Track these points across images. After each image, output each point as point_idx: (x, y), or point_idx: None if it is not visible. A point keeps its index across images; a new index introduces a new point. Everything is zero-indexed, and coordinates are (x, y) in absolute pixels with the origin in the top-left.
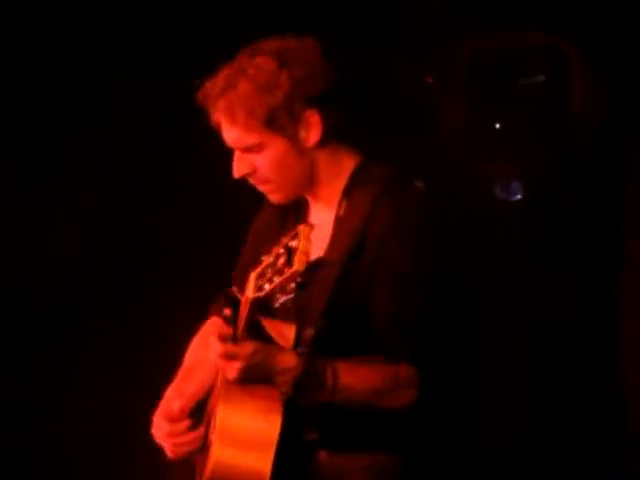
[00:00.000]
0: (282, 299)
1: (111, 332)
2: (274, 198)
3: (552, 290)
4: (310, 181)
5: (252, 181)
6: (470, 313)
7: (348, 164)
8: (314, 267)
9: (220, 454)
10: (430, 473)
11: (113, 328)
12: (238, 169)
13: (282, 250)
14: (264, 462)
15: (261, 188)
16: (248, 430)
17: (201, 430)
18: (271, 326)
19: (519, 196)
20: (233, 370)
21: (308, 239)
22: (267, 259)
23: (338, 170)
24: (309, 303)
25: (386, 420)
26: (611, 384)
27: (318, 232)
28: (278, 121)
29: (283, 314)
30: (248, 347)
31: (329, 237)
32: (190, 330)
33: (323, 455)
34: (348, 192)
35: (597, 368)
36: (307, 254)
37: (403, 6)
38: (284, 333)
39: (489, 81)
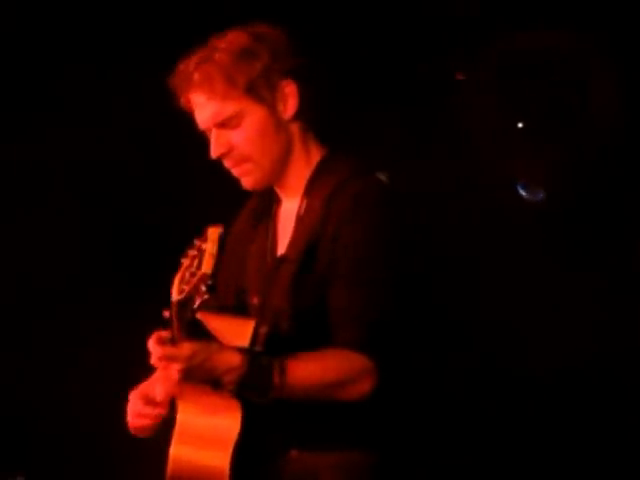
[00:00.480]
0: (198, 301)
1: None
2: (250, 180)
3: (572, 290)
4: (284, 164)
5: (228, 163)
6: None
7: (315, 155)
8: (276, 264)
9: (178, 452)
10: (405, 471)
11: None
12: (216, 148)
13: (196, 253)
14: (223, 459)
15: (237, 170)
16: (207, 428)
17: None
18: (226, 323)
19: (541, 196)
20: (175, 372)
21: (215, 241)
22: (185, 262)
23: (307, 159)
24: (267, 300)
25: (352, 415)
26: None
27: (283, 227)
28: (257, 89)
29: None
30: (186, 348)
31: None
32: None
33: (294, 453)
34: (310, 187)
35: (620, 366)
36: (214, 256)
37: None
38: (241, 330)
39: (517, 81)
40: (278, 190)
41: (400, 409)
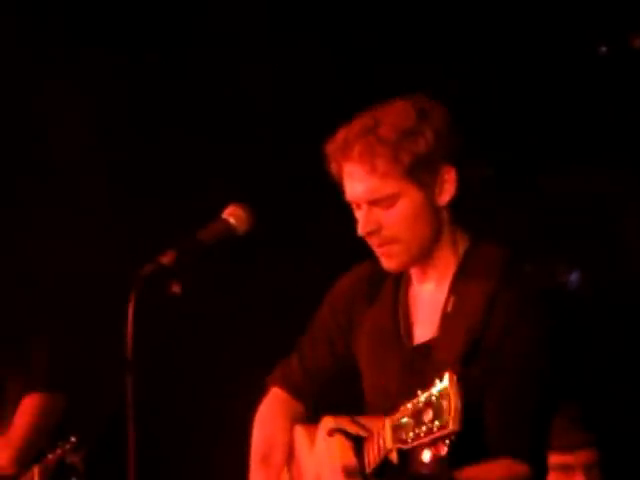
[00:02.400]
0: (428, 454)
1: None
2: (394, 262)
3: None
4: (431, 248)
5: (374, 242)
6: None
7: (461, 241)
8: (421, 359)
9: None
10: None
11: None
12: (365, 225)
13: (423, 402)
14: None
15: (382, 250)
16: None
17: None
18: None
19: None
20: None
21: (458, 394)
22: (405, 410)
23: (454, 245)
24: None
25: None
26: None
27: (422, 313)
28: (418, 172)
29: None
30: None
31: (436, 325)
32: (250, 397)
33: None
34: (457, 281)
35: None
36: (461, 411)
37: None
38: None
39: None
40: (413, 272)
41: None
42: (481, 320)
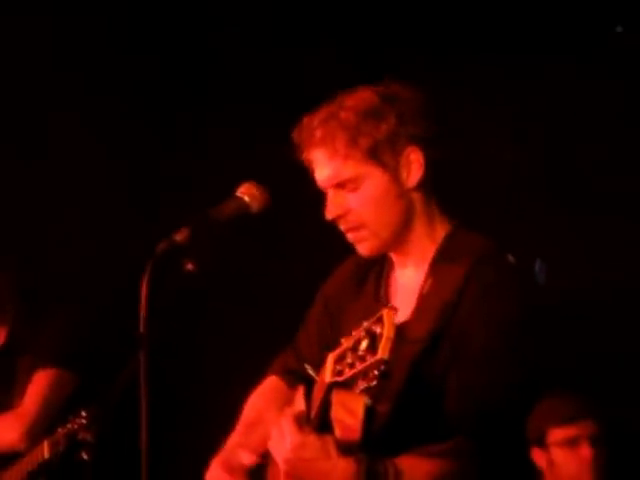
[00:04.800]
0: (362, 385)
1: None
2: (365, 247)
3: None
4: (403, 232)
5: (344, 225)
6: None
7: (439, 226)
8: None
9: None
10: None
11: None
12: (332, 209)
13: (363, 334)
14: None
15: (352, 236)
16: None
17: None
18: (340, 399)
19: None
20: (286, 453)
21: (393, 325)
22: (347, 342)
23: (431, 229)
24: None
25: None
26: None
27: (402, 296)
28: (380, 154)
29: None
30: (312, 441)
31: (412, 308)
32: (247, 385)
33: None
34: (435, 265)
35: None
36: (392, 340)
37: None
38: (352, 407)
39: None
40: (394, 257)
41: None
42: (453, 299)
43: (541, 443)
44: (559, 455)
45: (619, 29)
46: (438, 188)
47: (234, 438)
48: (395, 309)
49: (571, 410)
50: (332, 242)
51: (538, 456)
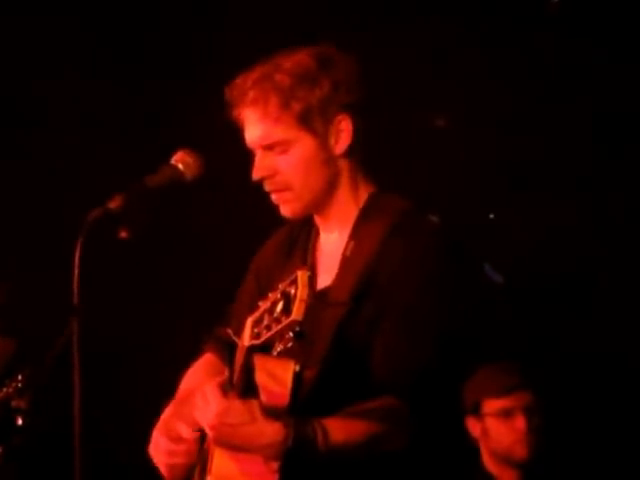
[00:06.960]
0: (279, 347)
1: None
2: (288, 208)
3: None
4: (327, 196)
5: (269, 187)
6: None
7: (363, 191)
8: (318, 303)
9: None
10: None
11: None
12: (258, 170)
13: (279, 296)
14: None
15: (278, 197)
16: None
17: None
18: (264, 366)
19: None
20: (211, 419)
21: (306, 286)
22: (264, 305)
23: (354, 195)
24: (311, 342)
25: (390, 465)
26: None
27: (326, 261)
28: (311, 119)
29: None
30: (236, 406)
31: (335, 272)
32: (185, 363)
33: None
34: (357, 228)
35: None
36: (305, 302)
37: None
38: (278, 373)
39: None
40: (318, 221)
41: (426, 455)
42: (374, 260)
43: (476, 412)
44: (493, 425)
45: None
46: (365, 155)
47: (170, 409)
48: (308, 269)
49: (507, 381)
50: (265, 212)
51: (473, 425)
